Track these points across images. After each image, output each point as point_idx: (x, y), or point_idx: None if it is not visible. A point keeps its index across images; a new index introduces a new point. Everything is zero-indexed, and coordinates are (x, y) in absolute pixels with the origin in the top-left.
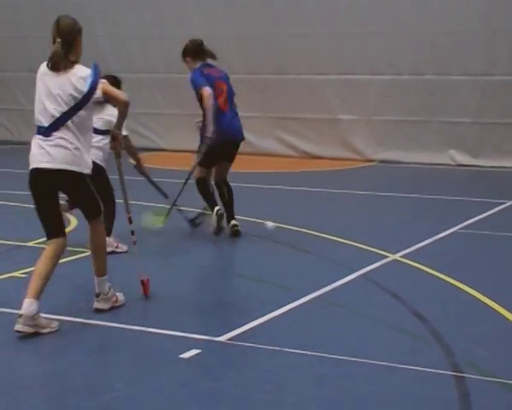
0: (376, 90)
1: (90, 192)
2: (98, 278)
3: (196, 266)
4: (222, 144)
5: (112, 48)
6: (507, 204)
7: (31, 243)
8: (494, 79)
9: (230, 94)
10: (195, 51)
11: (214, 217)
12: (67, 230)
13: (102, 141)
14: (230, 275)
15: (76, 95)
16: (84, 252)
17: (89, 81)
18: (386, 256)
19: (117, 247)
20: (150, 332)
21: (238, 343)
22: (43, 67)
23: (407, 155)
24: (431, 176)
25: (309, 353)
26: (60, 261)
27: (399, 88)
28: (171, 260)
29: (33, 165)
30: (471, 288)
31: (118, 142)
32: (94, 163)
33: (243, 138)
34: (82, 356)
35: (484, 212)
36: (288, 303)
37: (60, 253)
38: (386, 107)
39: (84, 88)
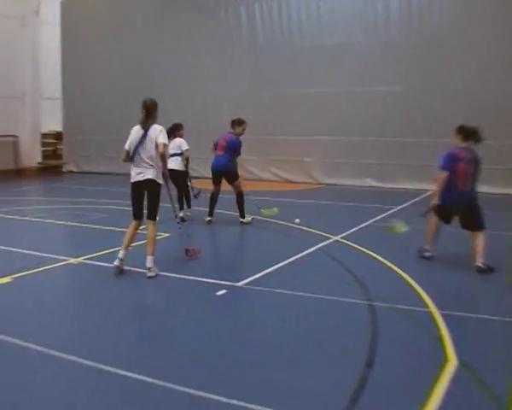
0: (325, 145)
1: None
2: (149, 257)
3: (218, 243)
4: (213, 173)
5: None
6: (396, 209)
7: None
8: (390, 139)
9: (227, 146)
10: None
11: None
12: None
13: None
14: (241, 247)
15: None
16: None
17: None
18: (331, 238)
19: None
20: (196, 280)
21: (249, 287)
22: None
23: (342, 180)
24: (355, 193)
25: (285, 292)
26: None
27: (338, 144)
28: (201, 240)
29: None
30: (380, 256)
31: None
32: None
33: (223, 170)
34: (160, 292)
35: (385, 212)
36: (278, 263)
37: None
38: (330, 153)
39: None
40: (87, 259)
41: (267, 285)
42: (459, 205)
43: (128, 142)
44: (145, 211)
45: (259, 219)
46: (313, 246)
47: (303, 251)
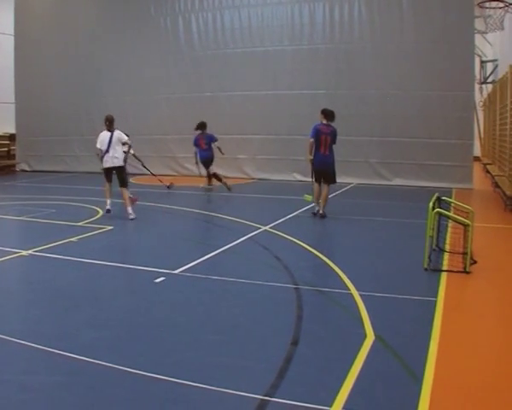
0: (257, 143)
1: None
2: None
3: (156, 234)
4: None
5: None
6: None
7: None
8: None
9: (207, 141)
10: None
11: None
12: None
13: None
14: (178, 237)
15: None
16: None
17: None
18: (261, 228)
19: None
20: (136, 269)
21: (186, 274)
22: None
23: (272, 175)
24: (283, 186)
25: (219, 278)
26: None
27: (268, 142)
28: (140, 231)
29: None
30: (305, 243)
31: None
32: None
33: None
34: (104, 280)
35: (310, 204)
36: (212, 252)
37: None
38: (261, 151)
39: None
40: (38, 251)
41: (202, 272)
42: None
43: (99, 142)
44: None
45: (193, 212)
46: (244, 236)
47: (235, 240)
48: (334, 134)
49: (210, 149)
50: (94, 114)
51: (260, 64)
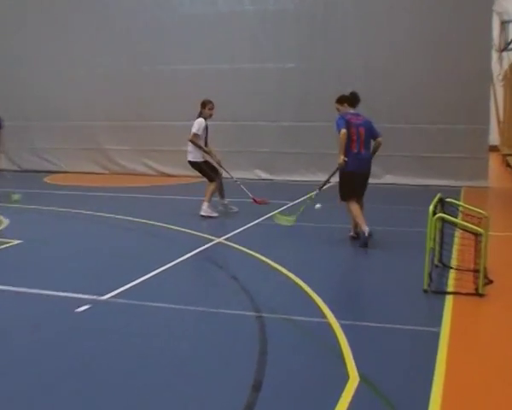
0: (208, 130)
1: None
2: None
3: (82, 248)
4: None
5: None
6: (288, 205)
7: None
8: (283, 124)
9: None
10: None
11: None
12: None
13: None
14: (105, 253)
15: None
16: None
17: None
18: (214, 239)
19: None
20: (51, 294)
21: (117, 300)
22: None
23: (230, 172)
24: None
25: (160, 305)
26: None
27: (223, 129)
28: (62, 245)
29: None
30: (270, 259)
31: None
32: None
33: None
34: (4, 312)
35: (277, 209)
36: (151, 271)
37: None
38: (214, 141)
39: None
40: None
41: (139, 298)
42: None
43: None
44: None
45: (128, 220)
46: (193, 250)
47: (181, 256)
48: (369, 125)
49: None
50: None
51: (213, 31)
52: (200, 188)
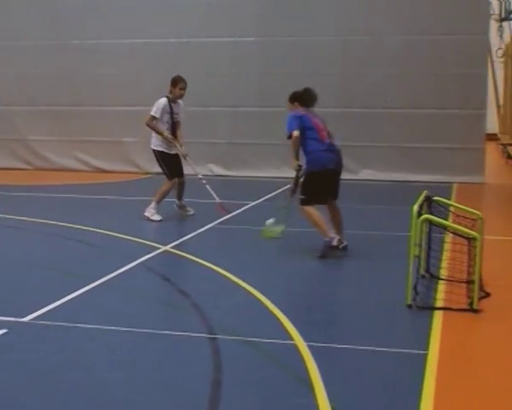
0: None
1: None
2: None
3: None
4: None
5: None
6: (249, 205)
7: None
8: (242, 110)
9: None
10: None
11: None
12: None
13: None
14: (26, 265)
15: None
16: None
17: None
18: (159, 248)
19: None
20: None
21: (41, 322)
22: None
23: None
24: (193, 184)
25: (96, 326)
26: None
27: None
28: None
29: None
30: (224, 270)
31: None
32: None
33: None
34: None
35: (234, 211)
36: (83, 287)
37: None
38: None
39: None
40: None
41: (68, 319)
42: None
43: None
44: None
45: (57, 225)
46: (134, 260)
47: (119, 268)
48: (325, 123)
49: None
50: None
51: None
52: (144, 187)
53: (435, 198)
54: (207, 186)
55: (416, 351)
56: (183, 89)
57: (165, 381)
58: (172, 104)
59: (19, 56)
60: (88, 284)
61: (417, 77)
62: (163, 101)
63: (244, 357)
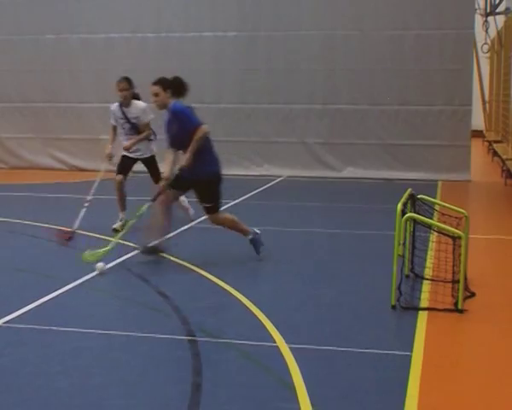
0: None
1: None
2: None
3: None
4: None
5: None
6: (230, 204)
7: None
8: (222, 106)
9: None
10: None
11: None
12: None
13: None
14: (8, 266)
15: None
16: None
17: None
18: (138, 248)
19: None
20: None
21: (14, 326)
22: None
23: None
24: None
25: (71, 329)
26: None
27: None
28: None
29: None
30: (204, 270)
31: None
32: None
33: None
34: None
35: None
36: (58, 288)
37: None
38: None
39: None
40: None
41: (42, 322)
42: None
43: None
44: None
45: (31, 225)
46: (112, 260)
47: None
48: None
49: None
50: None
51: None
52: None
53: (420, 196)
54: (83, 210)
55: (401, 352)
56: (120, 90)
57: (145, 385)
58: (124, 108)
59: None
60: (63, 286)
61: (402, 72)
62: (112, 106)
63: (225, 360)
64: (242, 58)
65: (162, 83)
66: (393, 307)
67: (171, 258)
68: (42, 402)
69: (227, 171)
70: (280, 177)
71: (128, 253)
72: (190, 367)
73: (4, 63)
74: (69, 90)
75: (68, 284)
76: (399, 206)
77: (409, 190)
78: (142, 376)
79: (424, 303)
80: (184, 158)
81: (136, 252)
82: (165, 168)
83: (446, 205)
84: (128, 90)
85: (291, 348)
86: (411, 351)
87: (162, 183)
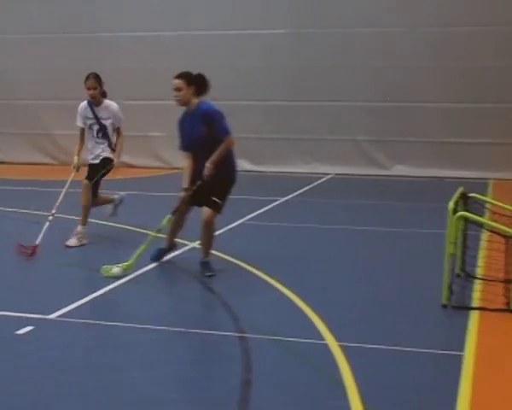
0: (177, 112)
1: None
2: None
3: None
4: None
5: None
6: (279, 201)
7: None
8: (271, 104)
9: None
10: None
11: None
12: None
13: None
14: (51, 262)
15: None
16: None
17: None
18: (188, 244)
19: None
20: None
21: (67, 320)
22: None
23: None
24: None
25: (122, 324)
26: None
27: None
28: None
29: None
30: (255, 267)
31: None
32: None
33: None
34: None
35: (263, 207)
36: (109, 284)
37: None
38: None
39: None
40: None
41: (94, 316)
42: None
43: None
44: None
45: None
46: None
47: (147, 265)
48: None
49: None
50: None
51: None
52: (165, 180)
53: (471, 195)
54: (47, 224)
55: (453, 352)
56: (88, 88)
57: (196, 380)
58: (95, 107)
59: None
60: (115, 282)
61: (454, 70)
62: (80, 105)
63: (275, 357)
64: (292, 56)
65: (186, 77)
66: (444, 306)
67: (220, 254)
68: (93, 395)
69: (275, 168)
70: (328, 174)
71: (178, 250)
72: (240, 364)
73: (61, 62)
74: (129, 87)
75: (119, 279)
76: (452, 204)
77: (461, 189)
78: (193, 371)
79: (475, 303)
80: (207, 168)
81: (185, 249)
82: (183, 179)
83: (499, 204)
84: (97, 89)
85: (341, 346)
86: (463, 351)
87: (181, 194)
